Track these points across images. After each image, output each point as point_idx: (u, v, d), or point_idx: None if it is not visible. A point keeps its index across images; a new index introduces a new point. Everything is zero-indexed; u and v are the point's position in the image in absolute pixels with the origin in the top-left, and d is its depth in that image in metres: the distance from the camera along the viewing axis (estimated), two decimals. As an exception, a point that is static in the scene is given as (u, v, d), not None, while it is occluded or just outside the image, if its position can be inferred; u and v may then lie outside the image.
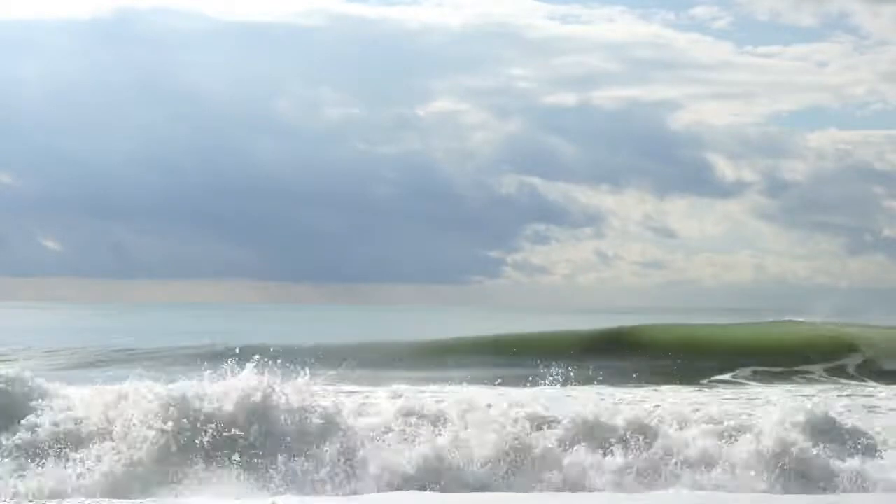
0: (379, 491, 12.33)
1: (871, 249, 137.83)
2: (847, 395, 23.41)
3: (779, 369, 28.83)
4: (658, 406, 16.93)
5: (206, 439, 12.47)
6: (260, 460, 12.41)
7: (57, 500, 11.63)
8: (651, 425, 13.55)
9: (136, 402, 12.82)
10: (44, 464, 12.24)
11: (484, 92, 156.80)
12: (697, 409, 14.96)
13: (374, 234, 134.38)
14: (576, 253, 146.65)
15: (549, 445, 13.18)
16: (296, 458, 12.50)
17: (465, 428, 13.35)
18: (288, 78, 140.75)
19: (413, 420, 13.58)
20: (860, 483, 12.71)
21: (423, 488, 12.44)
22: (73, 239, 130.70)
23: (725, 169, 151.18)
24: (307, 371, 13.56)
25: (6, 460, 12.32)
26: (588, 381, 21.52)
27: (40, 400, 13.34)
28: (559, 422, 13.56)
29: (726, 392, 24.32)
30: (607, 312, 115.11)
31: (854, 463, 13.05)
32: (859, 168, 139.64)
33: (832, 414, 13.99)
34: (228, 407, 12.81)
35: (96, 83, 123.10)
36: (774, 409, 14.13)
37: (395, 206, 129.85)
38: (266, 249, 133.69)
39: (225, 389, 13.00)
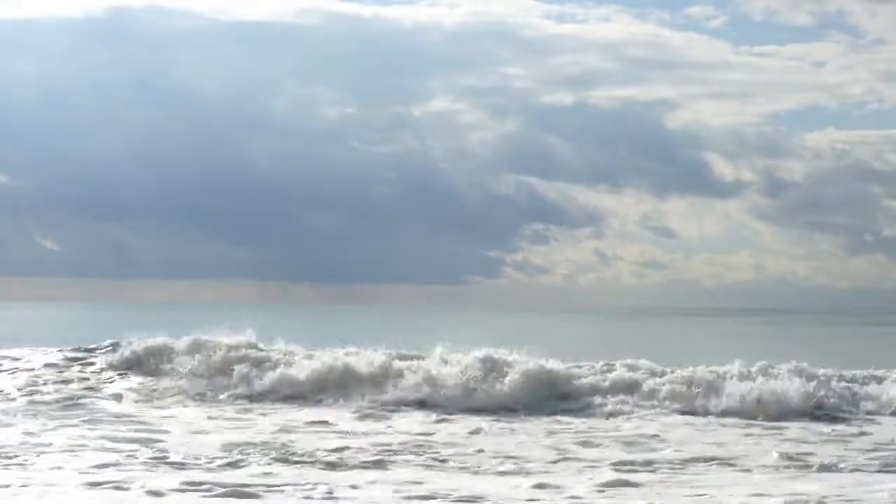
0: None
1: (870, 249, 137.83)
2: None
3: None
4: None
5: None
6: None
7: None
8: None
9: None
10: None
11: (480, 91, 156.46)
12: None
13: (372, 234, 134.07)
14: (575, 253, 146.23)
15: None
16: None
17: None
18: (284, 77, 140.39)
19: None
20: None
21: None
22: (71, 239, 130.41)
23: (724, 169, 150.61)
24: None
25: None
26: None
27: None
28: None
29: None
30: (607, 312, 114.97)
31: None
32: (858, 168, 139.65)
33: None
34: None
35: (92, 82, 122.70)
36: None
37: (393, 206, 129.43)
38: (265, 249, 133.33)
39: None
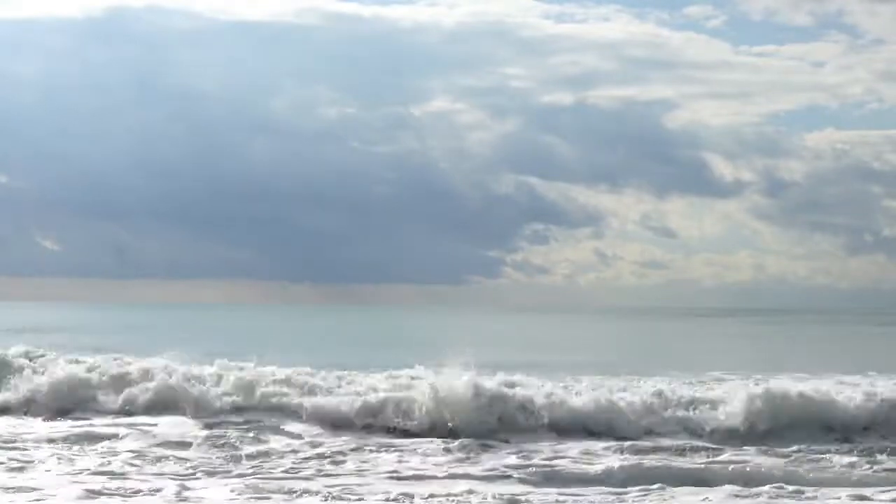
0: None
1: (870, 249, 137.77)
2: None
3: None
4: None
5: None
6: None
7: None
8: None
9: None
10: None
11: (480, 91, 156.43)
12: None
13: (373, 234, 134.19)
14: (575, 253, 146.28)
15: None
16: None
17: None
18: (283, 77, 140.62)
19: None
20: None
21: None
22: (71, 239, 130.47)
23: (723, 169, 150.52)
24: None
25: None
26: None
27: None
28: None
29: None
30: (607, 312, 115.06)
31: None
32: (857, 168, 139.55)
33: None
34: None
35: (92, 82, 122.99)
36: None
37: (393, 206, 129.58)
38: (265, 249, 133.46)
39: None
